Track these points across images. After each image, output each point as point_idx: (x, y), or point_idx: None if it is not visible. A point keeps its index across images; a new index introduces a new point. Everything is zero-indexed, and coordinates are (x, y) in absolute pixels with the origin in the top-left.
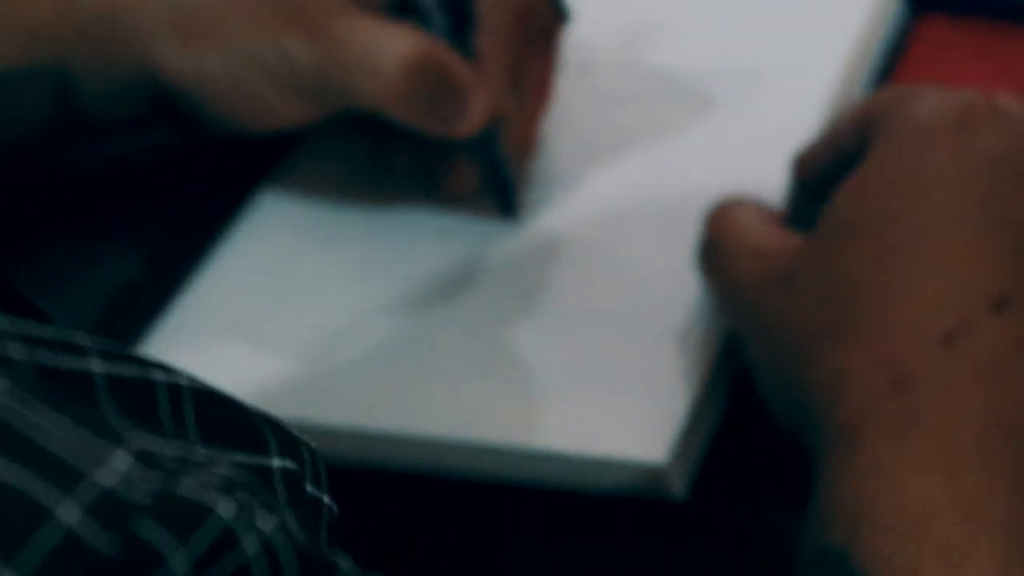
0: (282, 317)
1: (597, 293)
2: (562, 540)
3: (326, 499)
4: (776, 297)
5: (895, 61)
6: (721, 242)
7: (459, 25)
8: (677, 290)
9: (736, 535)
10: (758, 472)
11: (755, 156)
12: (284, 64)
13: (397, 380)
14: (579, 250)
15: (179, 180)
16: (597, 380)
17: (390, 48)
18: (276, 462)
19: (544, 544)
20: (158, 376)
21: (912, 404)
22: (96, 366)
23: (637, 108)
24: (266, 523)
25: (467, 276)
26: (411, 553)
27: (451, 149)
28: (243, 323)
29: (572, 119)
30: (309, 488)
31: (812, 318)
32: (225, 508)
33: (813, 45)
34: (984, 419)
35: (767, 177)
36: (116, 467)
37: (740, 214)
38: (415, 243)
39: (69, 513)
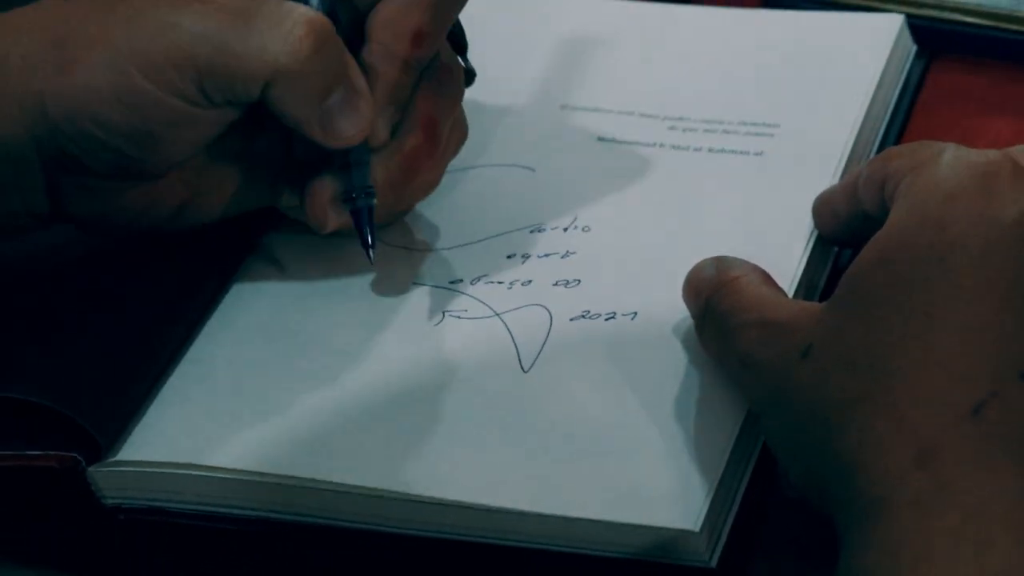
0: (279, 384)
1: (623, 357)
2: None
3: None
4: (795, 370)
5: (911, 106)
6: (731, 318)
7: (349, 42)
8: (703, 352)
9: None
10: (782, 537)
11: (772, 209)
12: (178, 45)
13: (422, 445)
14: (603, 310)
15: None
16: (626, 445)
17: (294, 9)
18: None
19: None
20: None
21: (940, 477)
22: None
23: (651, 164)
24: None
25: (485, 340)
26: None
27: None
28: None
29: (587, 176)
30: None
31: (834, 389)
32: None
33: (828, 97)
34: (1014, 491)
35: (784, 231)
36: None
37: (745, 286)
38: (424, 314)
39: None
